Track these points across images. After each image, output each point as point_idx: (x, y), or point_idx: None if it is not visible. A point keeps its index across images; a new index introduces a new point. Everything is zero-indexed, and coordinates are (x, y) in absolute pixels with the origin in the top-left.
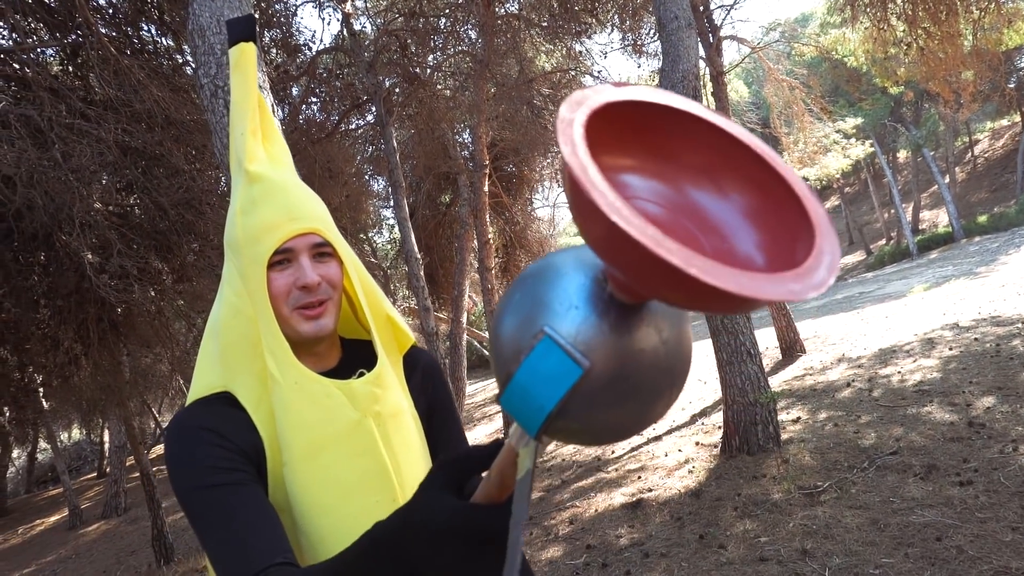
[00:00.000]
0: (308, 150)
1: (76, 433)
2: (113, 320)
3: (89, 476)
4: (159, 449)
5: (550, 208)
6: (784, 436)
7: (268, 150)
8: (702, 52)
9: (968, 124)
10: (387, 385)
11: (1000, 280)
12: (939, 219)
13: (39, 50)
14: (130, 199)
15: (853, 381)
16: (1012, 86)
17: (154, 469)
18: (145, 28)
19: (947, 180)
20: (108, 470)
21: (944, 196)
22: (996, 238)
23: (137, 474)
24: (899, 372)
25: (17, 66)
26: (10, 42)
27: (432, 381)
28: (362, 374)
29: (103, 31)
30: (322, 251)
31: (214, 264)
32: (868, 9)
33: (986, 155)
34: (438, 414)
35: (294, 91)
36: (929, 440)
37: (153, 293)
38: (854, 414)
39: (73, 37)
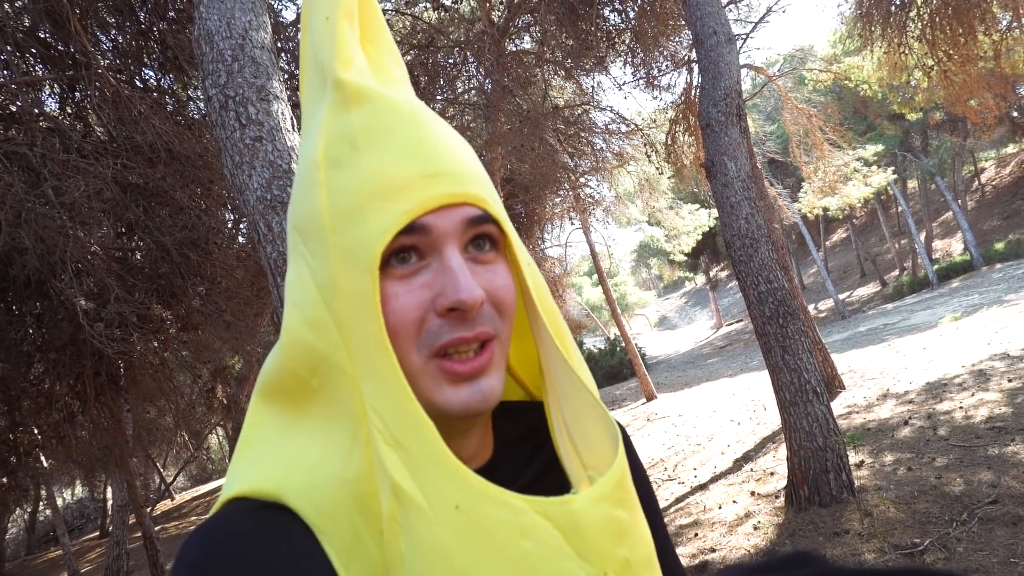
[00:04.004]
0: None
1: (79, 490)
2: (112, 374)
3: (91, 536)
4: (163, 506)
5: (560, 248)
6: (856, 484)
7: (373, 57)
8: None
9: (973, 153)
10: (633, 503)
11: None
12: (951, 247)
13: (33, 86)
14: (130, 241)
15: (910, 418)
16: (1015, 114)
17: (156, 528)
18: (147, 65)
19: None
20: (111, 530)
21: (960, 224)
22: (1019, 264)
23: (140, 534)
24: (960, 407)
25: (6, 100)
26: (2, 78)
27: (635, 469)
28: (579, 485)
29: (103, 62)
30: (482, 234)
31: (222, 310)
32: (885, 32)
33: (993, 183)
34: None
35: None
36: None
37: (156, 344)
38: (925, 456)
39: (71, 73)
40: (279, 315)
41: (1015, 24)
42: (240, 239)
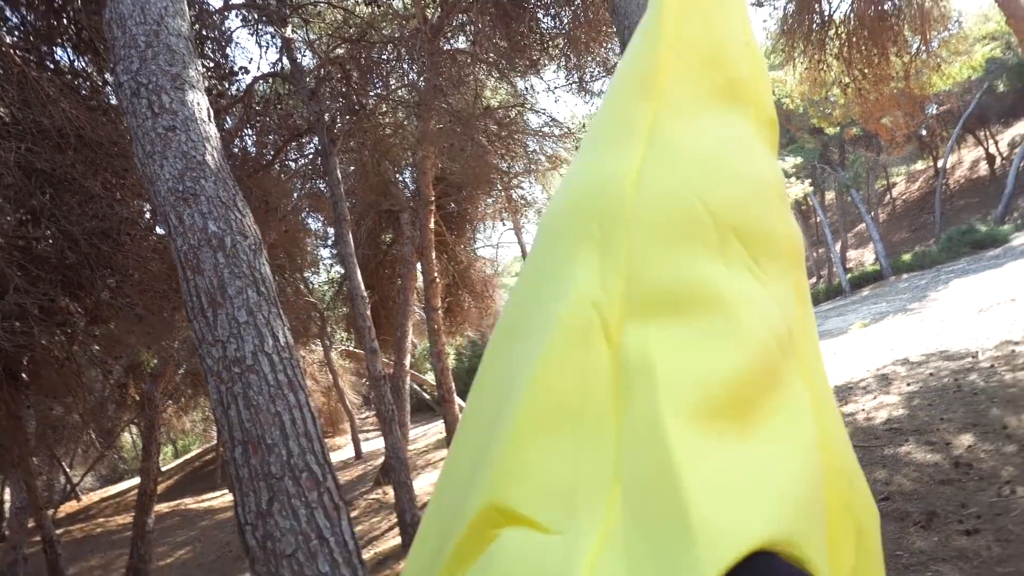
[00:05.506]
0: (243, 182)
1: None
2: (11, 368)
3: None
4: (68, 507)
5: (492, 248)
6: None
7: None
8: None
9: (886, 168)
10: None
11: (937, 315)
12: (864, 257)
13: None
14: (35, 229)
15: None
16: (923, 133)
17: (59, 531)
18: (60, 45)
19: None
20: (8, 534)
21: (872, 235)
22: (923, 275)
23: (39, 538)
24: (863, 409)
25: None
26: None
27: None
28: None
29: (8, 39)
30: None
31: (134, 303)
32: (806, 49)
33: (903, 197)
34: None
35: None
36: (919, 484)
37: (62, 337)
38: None
39: None
40: (189, 308)
41: (923, 48)
42: (159, 230)
